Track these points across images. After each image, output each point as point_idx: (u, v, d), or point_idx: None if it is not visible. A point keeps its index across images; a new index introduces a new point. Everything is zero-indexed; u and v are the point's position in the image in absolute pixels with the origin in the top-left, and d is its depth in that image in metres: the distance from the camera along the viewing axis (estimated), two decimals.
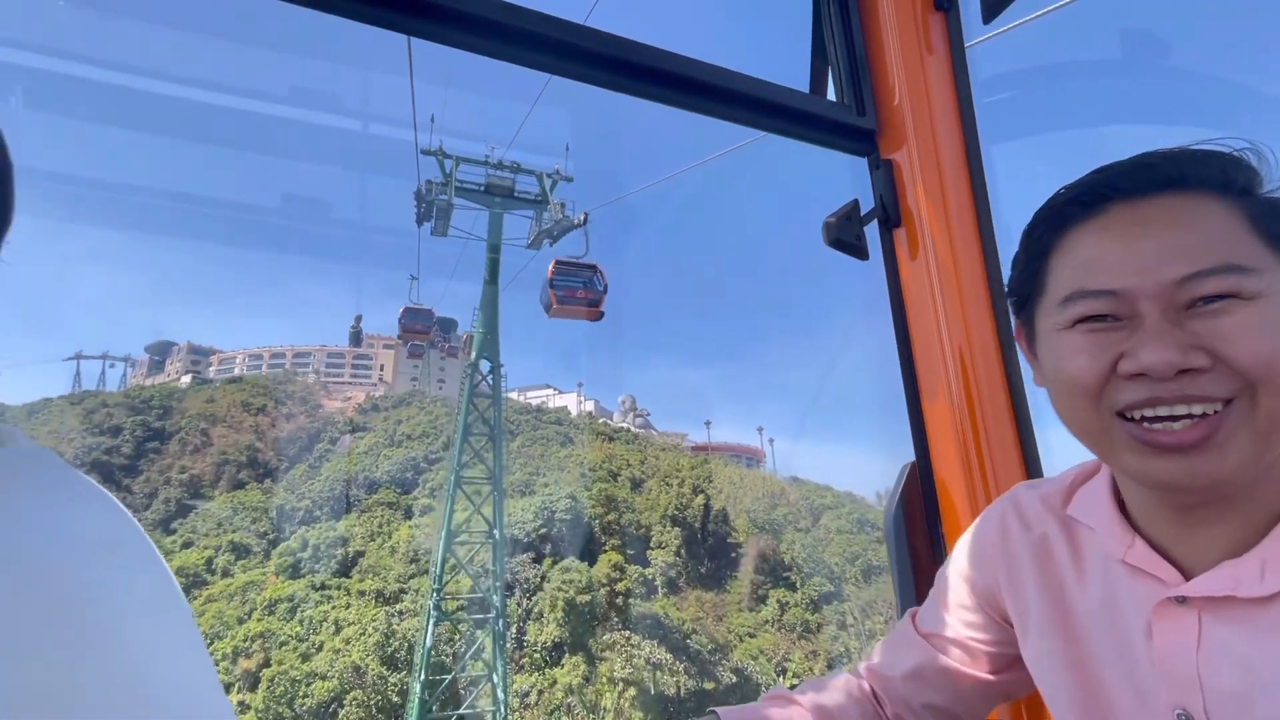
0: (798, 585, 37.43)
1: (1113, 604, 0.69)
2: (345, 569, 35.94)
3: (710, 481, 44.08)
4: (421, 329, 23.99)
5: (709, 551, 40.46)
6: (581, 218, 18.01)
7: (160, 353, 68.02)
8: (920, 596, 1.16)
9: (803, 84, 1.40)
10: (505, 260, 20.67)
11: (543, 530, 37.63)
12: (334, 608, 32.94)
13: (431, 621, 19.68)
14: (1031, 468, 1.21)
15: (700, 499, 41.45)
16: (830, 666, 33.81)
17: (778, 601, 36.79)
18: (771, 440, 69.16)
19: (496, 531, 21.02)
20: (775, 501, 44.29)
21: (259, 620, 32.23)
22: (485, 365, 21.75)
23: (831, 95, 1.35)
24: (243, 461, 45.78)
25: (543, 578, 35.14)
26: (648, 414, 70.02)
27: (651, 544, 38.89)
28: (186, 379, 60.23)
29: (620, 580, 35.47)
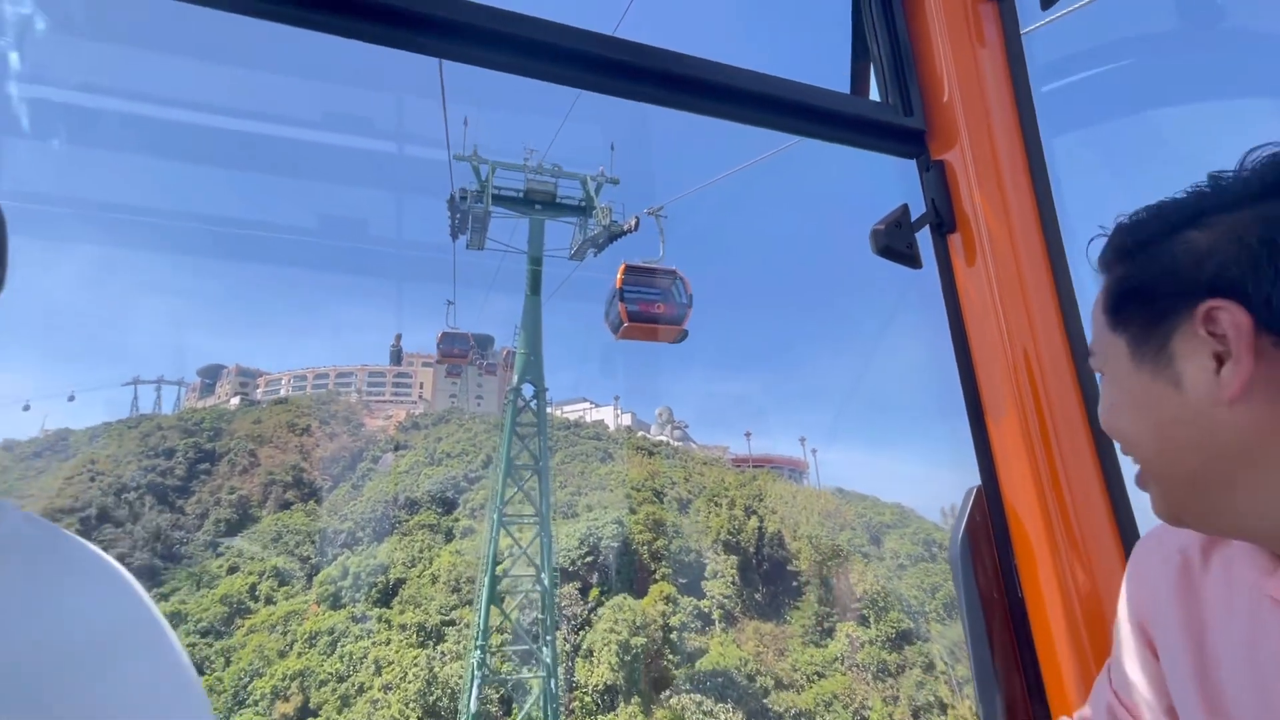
0: (870, 619, 35.18)
1: (1254, 641, 0.63)
2: (386, 598, 36.29)
3: (761, 500, 42.82)
4: (459, 353, 24.92)
5: (764, 577, 39.04)
6: (633, 222, 16.55)
7: (211, 375, 71.84)
8: (992, 633, 1.11)
9: (843, 85, 1.39)
10: (545, 273, 19.83)
11: (589, 558, 37.07)
12: (374, 644, 33.08)
13: (476, 682, 18.55)
14: (1115, 491, 1.13)
15: (753, 521, 40.16)
16: (916, 716, 31.53)
17: (847, 636, 34.82)
18: (814, 450, 67.11)
19: (545, 577, 19.16)
20: (833, 523, 42.48)
21: (298, 655, 32.71)
22: (528, 389, 20.18)
23: (875, 95, 1.33)
24: (288, 481, 47.79)
25: (591, 611, 34.39)
26: (686, 426, 69.84)
27: (706, 573, 37.66)
28: (235, 401, 63.29)
29: (674, 614, 34.39)
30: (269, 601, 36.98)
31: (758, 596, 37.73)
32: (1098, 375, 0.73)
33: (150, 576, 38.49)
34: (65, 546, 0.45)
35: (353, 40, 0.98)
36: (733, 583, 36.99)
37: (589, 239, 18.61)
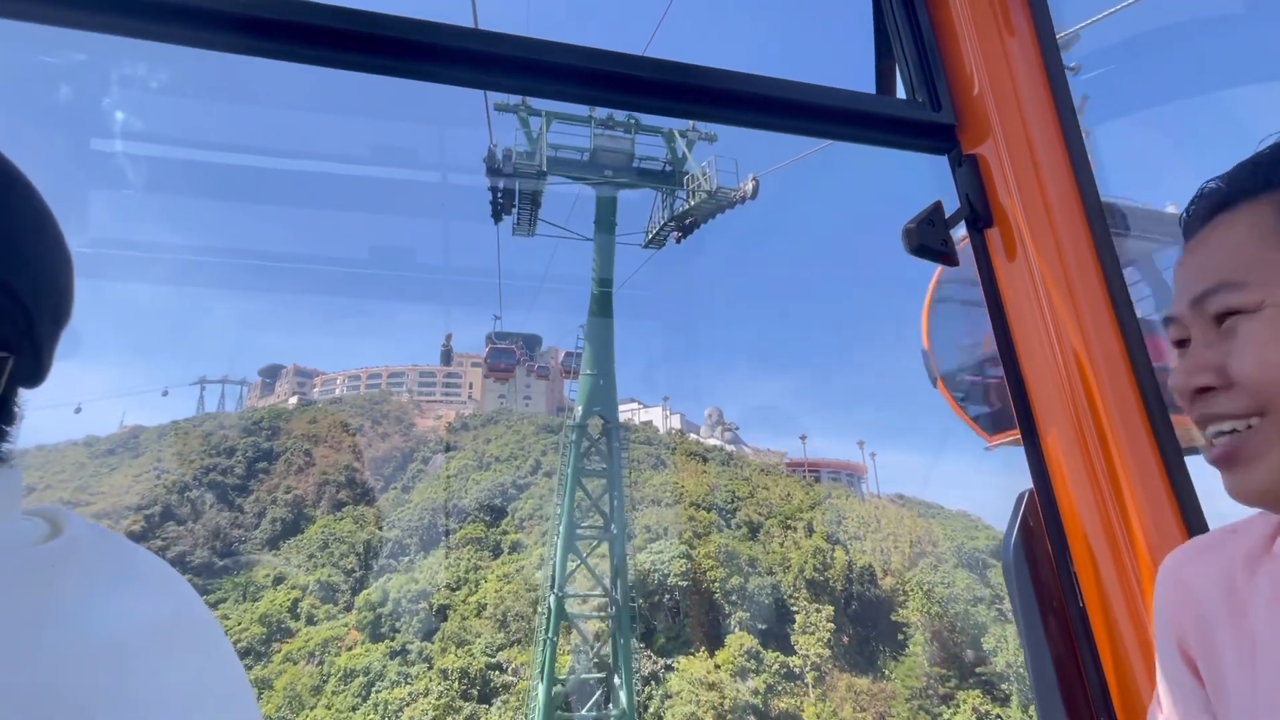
0: (1012, 699, 28.57)
1: None
2: (428, 630, 34.16)
3: (841, 525, 38.31)
4: (506, 367, 24.02)
5: (853, 619, 34.35)
6: (748, 187, 11.92)
7: (271, 375, 74.36)
8: (1052, 644, 1.08)
9: (868, 86, 1.39)
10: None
11: (654, 598, 33.09)
12: (410, 694, 30.49)
13: None
14: (1182, 493, 1.08)
15: (840, 554, 35.41)
16: None
17: (974, 710, 28.76)
18: (873, 455, 63.96)
19: (622, 691, 12.91)
20: (924, 551, 36.92)
21: (330, 696, 30.90)
22: (592, 419, 15.07)
23: (901, 94, 1.32)
24: (342, 481, 48.09)
25: (661, 668, 30.37)
26: (736, 428, 67.72)
27: (796, 626, 32.61)
28: (293, 400, 65.26)
29: (757, 673, 29.76)
30: (310, 621, 35.78)
31: (845, 639, 33.42)
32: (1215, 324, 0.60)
33: (207, 575, 39.16)
34: (125, 552, 0.50)
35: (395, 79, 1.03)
36: (828, 642, 31.83)
37: (676, 216, 13.73)
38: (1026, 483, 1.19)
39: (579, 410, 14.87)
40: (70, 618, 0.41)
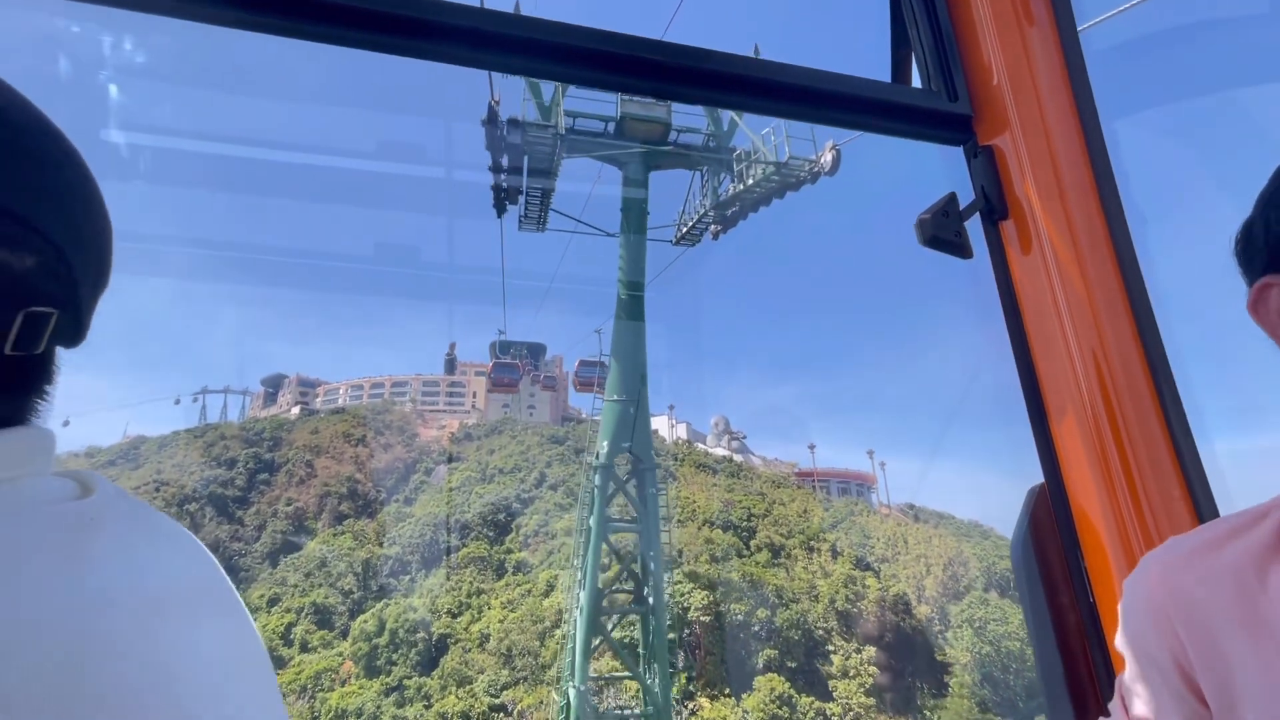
0: None
1: None
2: (428, 664, 31.35)
3: (869, 546, 35.16)
4: (510, 382, 24.14)
5: (890, 652, 31.23)
6: (827, 158, 9.22)
7: (274, 385, 73.19)
8: (1062, 641, 1.05)
9: (884, 75, 1.36)
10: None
11: (671, 633, 30.12)
12: None
13: None
14: (1196, 489, 1.05)
15: (873, 581, 32.30)
16: None
17: None
18: (883, 464, 61.87)
19: None
20: (958, 573, 33.44)
21: None
22: (619, 457, 11.52)
23: (918, 83, 1.28)
24: (343, 493, 46.41)
25: (690, 714, 27.43)
26: (744, 436, 65.63)
27: (834, 667, 28.95)
28: (295, 410, 63.97)
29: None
30: (304, 648, 32.82)
31: (883, 676, 30.43)
32: None
33: None
34: (153, 518, 0.51)
35: (406, 61, 0.98)
36: (869, 689, 28.51)
37: (721, 202, 10.75)
38: (1024, 488, 1.16)
39: (603, 446, 11.12)
40: (113, 566, 0.42)
